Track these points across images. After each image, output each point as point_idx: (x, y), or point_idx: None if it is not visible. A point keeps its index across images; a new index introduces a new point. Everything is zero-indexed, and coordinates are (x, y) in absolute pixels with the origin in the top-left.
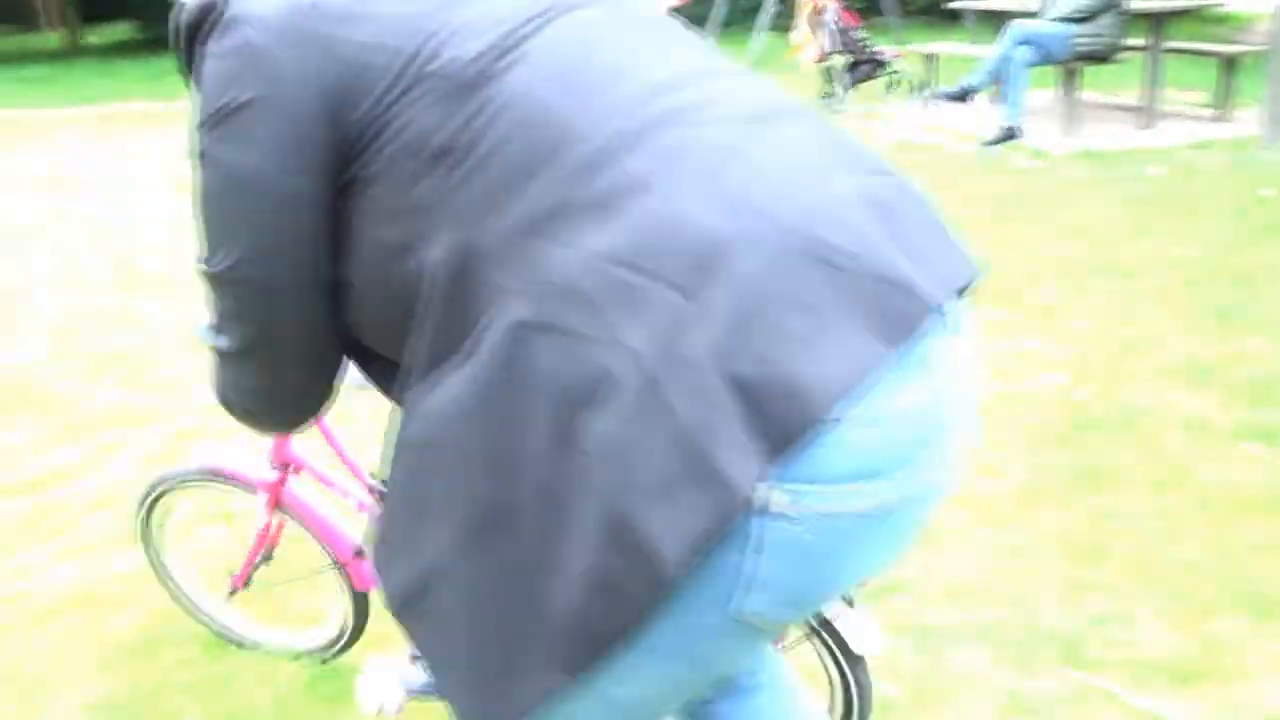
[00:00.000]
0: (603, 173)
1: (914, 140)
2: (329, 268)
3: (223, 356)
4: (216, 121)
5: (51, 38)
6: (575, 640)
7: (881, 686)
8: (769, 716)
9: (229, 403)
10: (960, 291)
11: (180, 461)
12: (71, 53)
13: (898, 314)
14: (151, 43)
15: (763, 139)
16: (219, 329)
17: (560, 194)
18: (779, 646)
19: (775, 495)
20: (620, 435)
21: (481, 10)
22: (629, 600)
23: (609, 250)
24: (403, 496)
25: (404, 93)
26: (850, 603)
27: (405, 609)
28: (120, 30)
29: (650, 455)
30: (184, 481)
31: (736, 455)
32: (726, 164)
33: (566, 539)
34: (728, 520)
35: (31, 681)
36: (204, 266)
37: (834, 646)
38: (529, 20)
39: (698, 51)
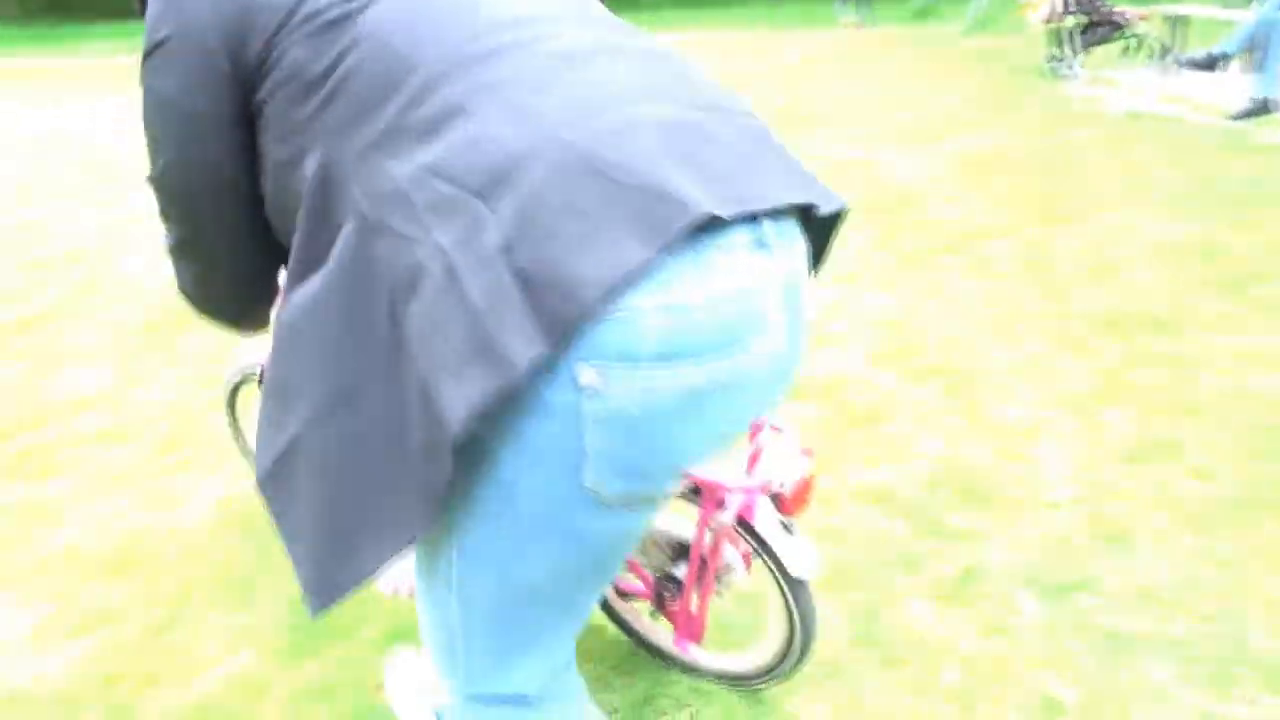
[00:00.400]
0: (431, 100)
1: (1147, 111)
2: (248, 181)
3: (169, 251)
4: (147, 54)
5: None
6: (414, 503)
7: (1053, 686)
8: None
9: (184, 294)
10: (779, 214)
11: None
12: None
13: (658, 220)
14: None
15: (581, 73)
16: (165, 228)
17: (398, 118)
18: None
19: (584, 372)
20: (428, 318)
21: None
22: (441, 462)
23: (431, 165)
24: (273, 379)
25: (288, 32)
26: (788, 528)
27: (267, 481)
28: None
29: (449, 336)
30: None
31: (516, 337)
32: (536, 93)
33: (400, 412)
34: (504, 392)
35: (241, 582)
36: (147, 174)
37: (774, 570)
38: None
39: (559, 2)
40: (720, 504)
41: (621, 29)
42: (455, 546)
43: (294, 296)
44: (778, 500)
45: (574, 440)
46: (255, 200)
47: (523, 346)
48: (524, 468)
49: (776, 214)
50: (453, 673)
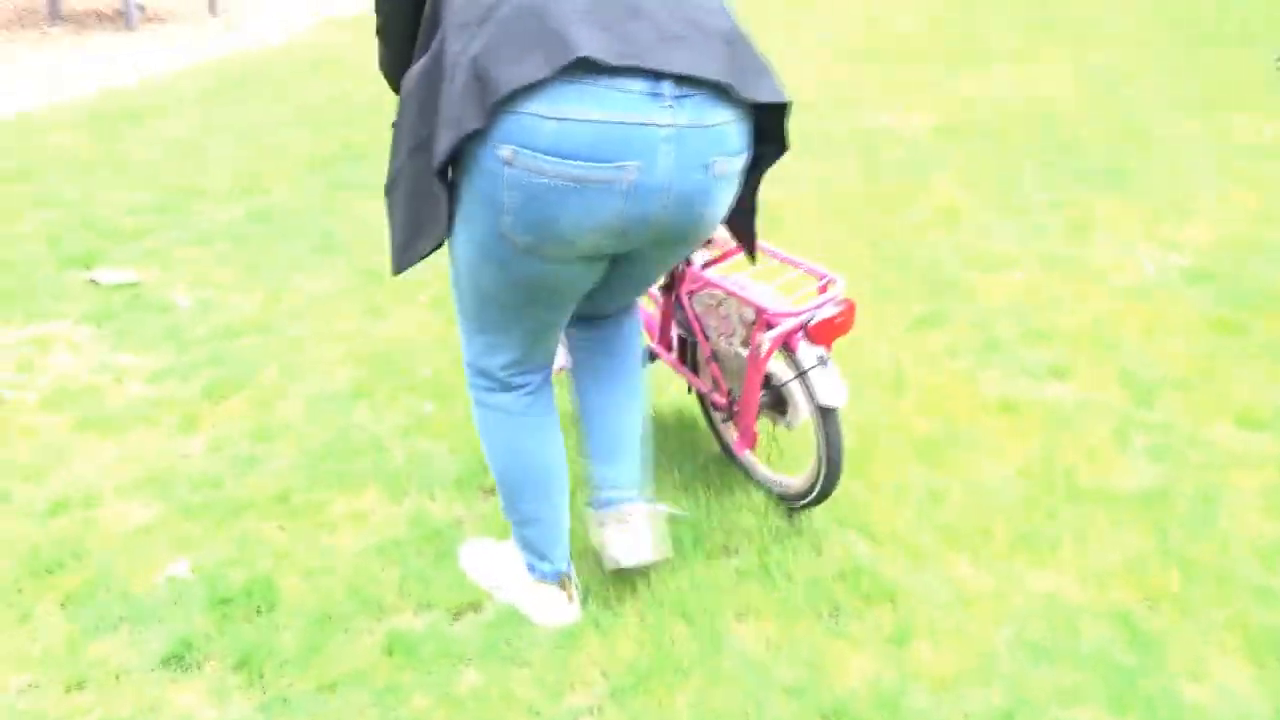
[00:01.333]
0: None
1: None
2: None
3: (375, 33)
4: None
5: None
6: (440, 216)
7: None
8: (536, 411)
9: (380, 66)
10: (693, 83)
11: None
12: None
13: (554, 55)
14: None
15: None
16: (376, 17)
17: None
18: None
19: (503, 149)
20: (445, 96)
21: None
22: (442, 188)
23: (463, 6)
24: (397, 123)
25: None
26: (824, 361)
27: (388, 188)
28: None
29: (447, 106)
30: None
31: (467, 113)
32: None
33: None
34: (455, 144)
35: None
36: None
37: (811, 396)
38: None
39: None
40: (769, 326)
41: None
42: (453, 256)
43: (409, 72)
44: (810, 330)
45: (497, 194)
46: (418, 11)
47: (469, 121)
48: (474, 207)
49: (685, 80)
50: (465, 348)
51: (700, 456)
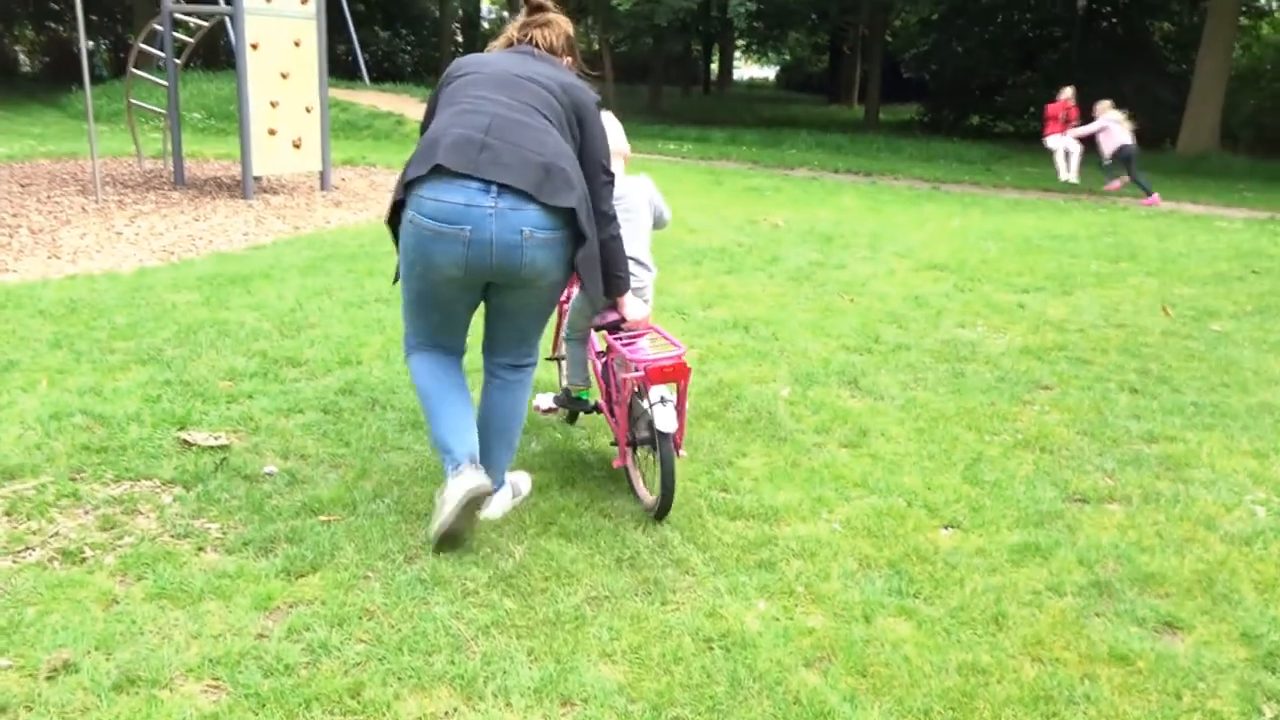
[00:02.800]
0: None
1: None
2: None
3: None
4: None
5: (856, 110)
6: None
7: None
8: (444, 363)
9: None
10: (512, 187)
11: None
12: (867, 126)
13: (429, 163)
14: (932, 125)
15: (496, 113)
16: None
17: (451, 107)
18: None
19: (409, 213)
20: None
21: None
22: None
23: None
24: None
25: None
26: (665, 399)
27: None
28: (909, 110)
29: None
30: None
31: (397, 191)
32: (475, 114)
33: None
34: (391, 208)
35: None
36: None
37: (650, 427)
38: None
39: (531, 99)
40: (631, 369)
41: (544, 110)
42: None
43: None
44: (650, 373)
45: (407, 238)
46: None
47: (397, 195)
48: (402, 243)
49: (505, 186)
50: (404, 323)
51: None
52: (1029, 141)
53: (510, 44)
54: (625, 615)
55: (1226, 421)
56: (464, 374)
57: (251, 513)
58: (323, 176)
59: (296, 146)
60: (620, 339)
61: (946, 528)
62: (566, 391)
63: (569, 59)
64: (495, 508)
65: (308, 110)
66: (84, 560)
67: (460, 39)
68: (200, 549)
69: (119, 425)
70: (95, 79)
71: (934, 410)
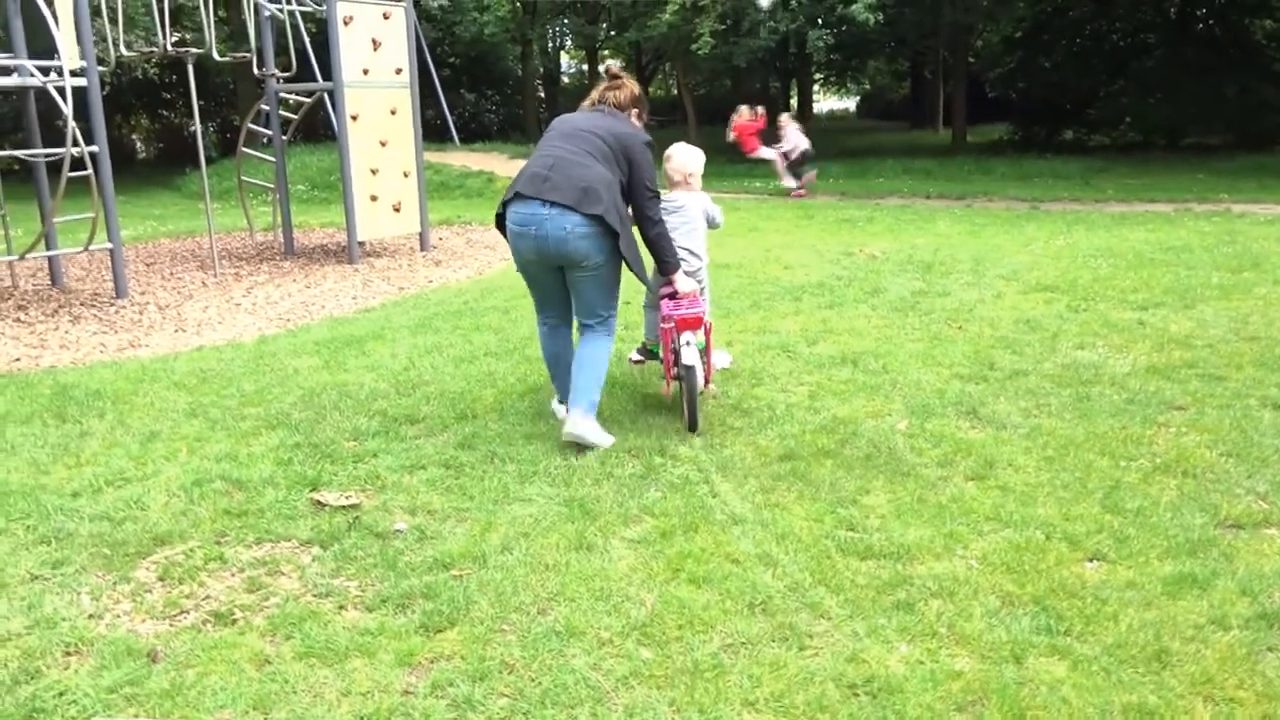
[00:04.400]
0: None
1: None
2: None
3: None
4: None
5: (942, 135)
6: None
7: None
8: (554, 334)
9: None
10: (560, 203)
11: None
12: (955, 149)
13: (513, 190)
14: (1024, 143)
15: (559, 156)
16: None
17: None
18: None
19: (507, 220)
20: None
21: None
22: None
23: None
24: None
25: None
26: (689, 342)
27: None
28: (998, 130)
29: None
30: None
31: (501, 203)
32: (545, 158)
33: None
34: (499, 215)
35: None
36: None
37: (679, 364)
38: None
39: (586, 145)
40: (667, 319)
41: (595, 153)
42: None
43: None
44: (677, 323)
45: (509, 238)
46: None
47: (499, 209)
48: (508, 243)
49: (554, 203)
50: None
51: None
52: (1128, 153)
53: (593, 103)
54: (764, 662)
55: None
56: (567, 338)
57: (386, 569)
58: (422, 238)
59: (396, 210)
60: (669, 303)
61: (1091, 560)
62: (644, 345)
63: (635, 111)
64: (580, 428)
65: (405, 175)
66: (235, 621)
67: (542, 94)
68: (341, 607)
69: (256, 489)
70: (206, 160)
71: (1062, 437)
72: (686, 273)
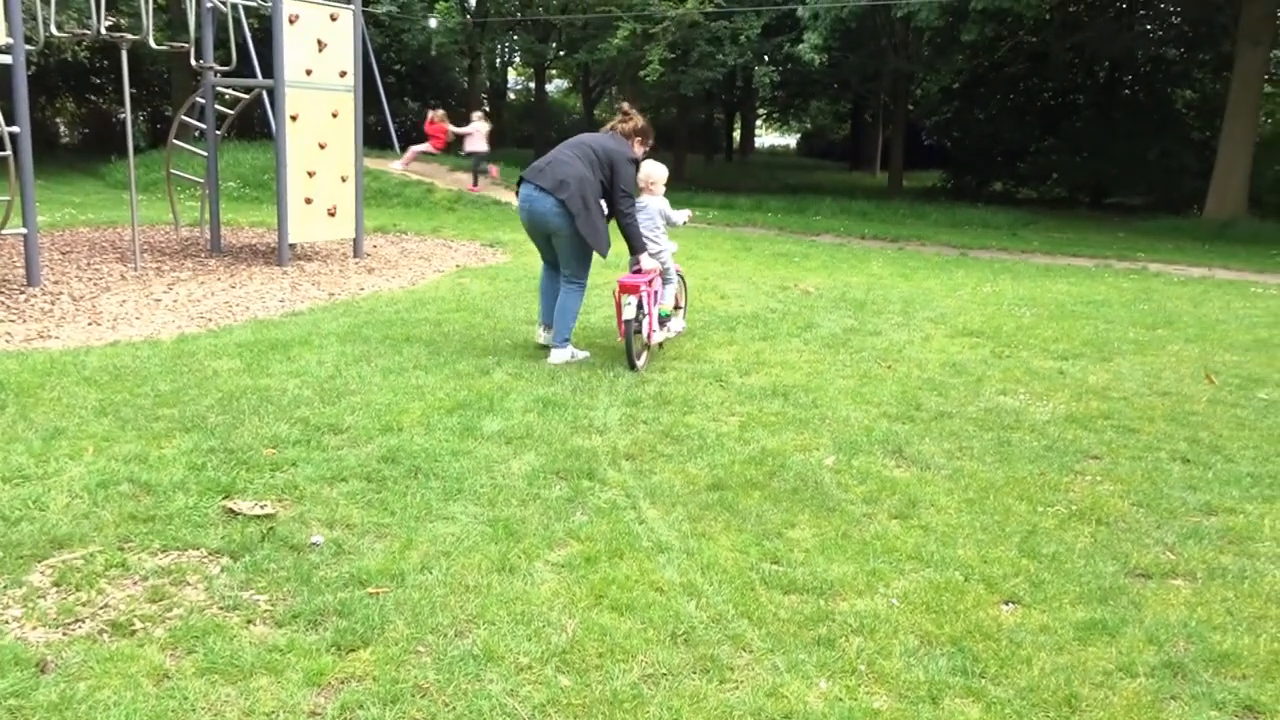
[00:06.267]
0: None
1: None
2: None
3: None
4: None
5: (879, 177)
6: None
7: None
8: (547, 273)
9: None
10: (543, 188)
11: None
12: (891, 192)
13: (528, 175)
14: (956, 191)
15: (557, 156)
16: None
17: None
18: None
19: (520, 191)
20: None
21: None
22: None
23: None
24: None
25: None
26: (629, 303)
27: None
28: (932, 177)
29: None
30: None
31: (517, 184)
32: (549, 156)
33: None
34: (518, 187)
35: None
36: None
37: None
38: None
39: (578, 152)
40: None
41: (583, 158)
42: None
43: None
44: (621, 285)
45: (519, 207)
46: None
47: (516, 188)
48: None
49: (541, 187)
50: None
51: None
52: (1054, 207)
53: (610, 128)
54: (684, 694)
55: None
56: (557, 279)
57: (300, 584)
58: (356, 244)
59: (331, 214)
60: (627, 274)
61: (1007, 603)
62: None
63: (638, 138)
64: (556, 358)
65: (343, 179)
66: (134, 632)
67: (488, 109)
68: (249, 621)
69: (165, 493)
70: (134, 149)
71: (983, 480)
72: (650, 255)
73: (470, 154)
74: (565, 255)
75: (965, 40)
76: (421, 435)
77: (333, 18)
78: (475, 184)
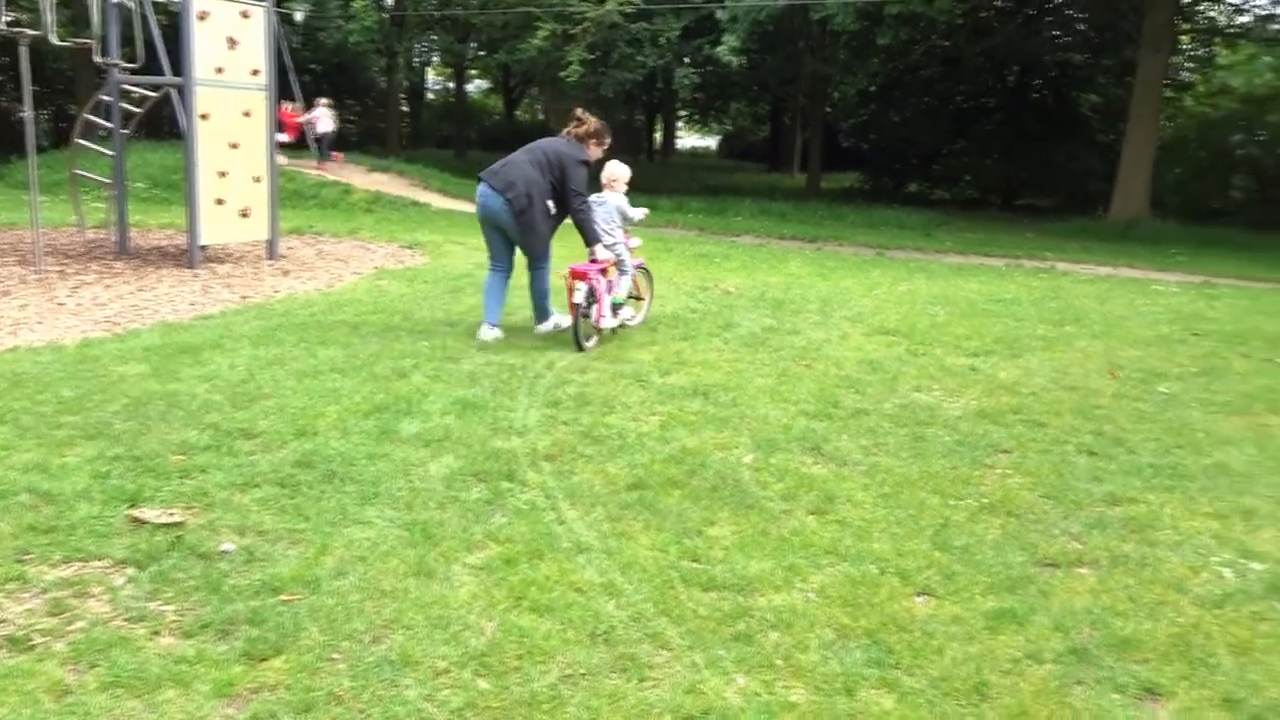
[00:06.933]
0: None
1: None
2: None
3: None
4: None
5: (798, 179)
6: None
7: None
8: (493, 276)
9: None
10: (495, 188)
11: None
12: (809, 194)
13: (489, 179)
14: (872, 193)
15: (512, 159)
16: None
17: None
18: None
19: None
20: None
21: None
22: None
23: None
24: None
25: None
26: (579, 289)
27: None
28: (849, 179)
29: None
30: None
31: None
32: (505, 158)
33: None
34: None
35: None
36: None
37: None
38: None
39: (530, 156)
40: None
41: (533, 162)
42: None
43: None
44: (572, 272)
45: (477, 200)
46: None
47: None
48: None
49: (495, 187)
50: None
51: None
52: (967, 209)
53: (566, 133)
54: (603, 694)
55: (1185, 483)
56: (504, 283)
57: (209, 593)
58: (270, 245)
59: (244, 215)
60: (581, 263)
61: (921, 595)
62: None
63: (593, 141)
64: (544, 328)
65: (256, 179)
66: (32, 648)
67: (407, 109)
68: (156, 633)
69: (67, 503)
70: (36, 149)
71: (898, 475)
72: (605, 246)
73: (319, 138)
74: (525, 245)
75: (880, 44)
76: (337, 439)
77: (244, 15)
78: (321, 163)
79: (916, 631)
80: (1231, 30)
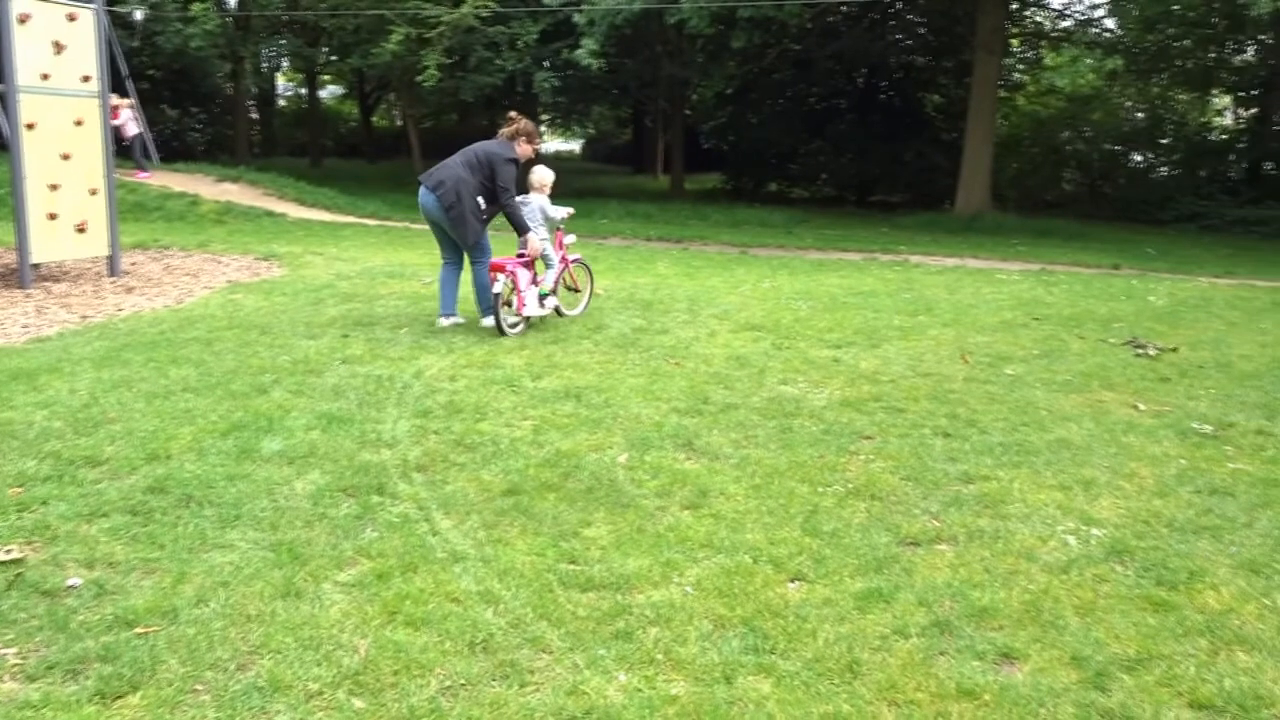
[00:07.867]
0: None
1: None
2: None
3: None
4: None
5: (661, 181)
6: None
7: None
8: (446, 268)
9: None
10: (429, 187)
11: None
12: (673, 195)
13: (425, 180)
14: (734, 193)
15: (446, 160)
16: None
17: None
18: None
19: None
20: None
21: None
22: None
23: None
24: None
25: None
26: (499, 281)
27: None
28: (712, 179)
29: None
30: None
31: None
32: (444, 163)
33: None
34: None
35: None
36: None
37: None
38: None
39: (464, 158)
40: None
41: (465, 163)
42: None
43: None
44: (492, 266)
45: (419, 201)
46: None
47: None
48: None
49: (430, 186)
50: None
51: None
52: (824, 206)
53: (498, 133)
54: (484, 703)
55: (1031, 458)
56: (455, 275)
57: (55, 632)
58: (111, 261)
59: (81, 230)
60: (505, 258)
61: (794, 581)
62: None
63: (524, 139)
64: (485, 323)
65: (92, 192)
66: None
67: (256, 115)
68: None
69: None
70: None
71: (768, 466)
72: (540, 239)
73: (130, 142)
74: (456, 238)
75: (735, 47)
76: (193, 461)
77: (70, 17)
78: (144, 169)
79: (790, 616)
80: (1056, 34)
